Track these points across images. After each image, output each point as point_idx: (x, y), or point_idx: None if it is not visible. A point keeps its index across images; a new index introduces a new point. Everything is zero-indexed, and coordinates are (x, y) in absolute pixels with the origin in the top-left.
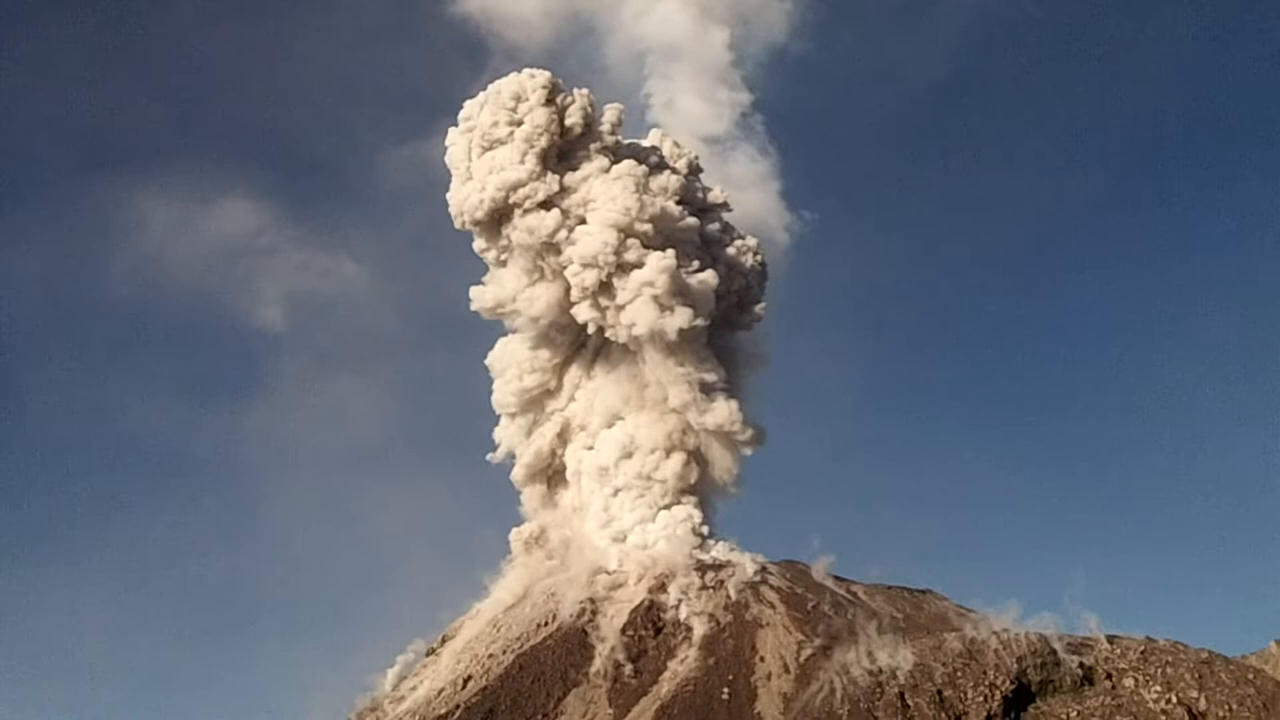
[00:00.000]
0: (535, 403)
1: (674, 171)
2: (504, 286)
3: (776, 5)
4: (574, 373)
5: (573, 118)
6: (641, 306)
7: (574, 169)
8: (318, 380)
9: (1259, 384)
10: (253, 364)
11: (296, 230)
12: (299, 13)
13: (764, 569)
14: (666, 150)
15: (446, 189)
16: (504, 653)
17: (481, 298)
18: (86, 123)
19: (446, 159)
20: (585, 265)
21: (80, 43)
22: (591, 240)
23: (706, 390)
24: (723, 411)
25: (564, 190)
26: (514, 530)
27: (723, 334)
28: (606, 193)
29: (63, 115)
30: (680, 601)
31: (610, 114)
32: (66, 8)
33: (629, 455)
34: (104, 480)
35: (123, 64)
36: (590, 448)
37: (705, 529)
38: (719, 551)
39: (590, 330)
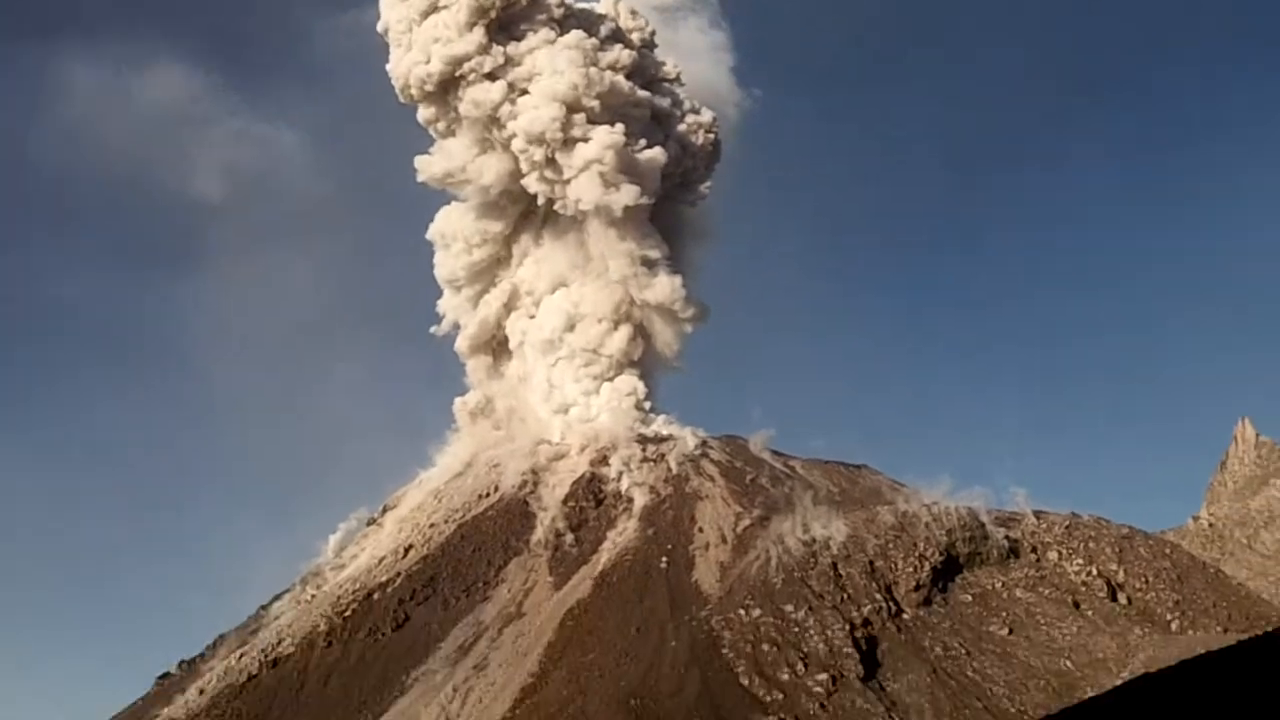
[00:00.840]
0: (482, 274)
1: (627, 45)
2: (452, 157)
3: None
4: (523, 242)
5: None
6: (587, 182)
7: (519, 39)
8: (257, 252)
9: (1189, 255)
10: (190, 235)
11: (232, 99)
12: None
13: (704, 443)
14: (622, 19)
15: (386, 58)
16: (445, 522)
17: (429, 168)
18: None
19: (381, 26)
20: (530, 141)
21: None
22: (538, 115)
23: (650, 265)
24: (665, 287)
25: (510, 62)
26: (458, 400)
27: (670, 209)
28: (552, 65)
29: None
30: (621, 474)
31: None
32: None
33: (573, 327)
34: (37, 351)
35: None
36: (535, 318)
37: (648, 403)
38: (660, 425)
39: (540, 201)
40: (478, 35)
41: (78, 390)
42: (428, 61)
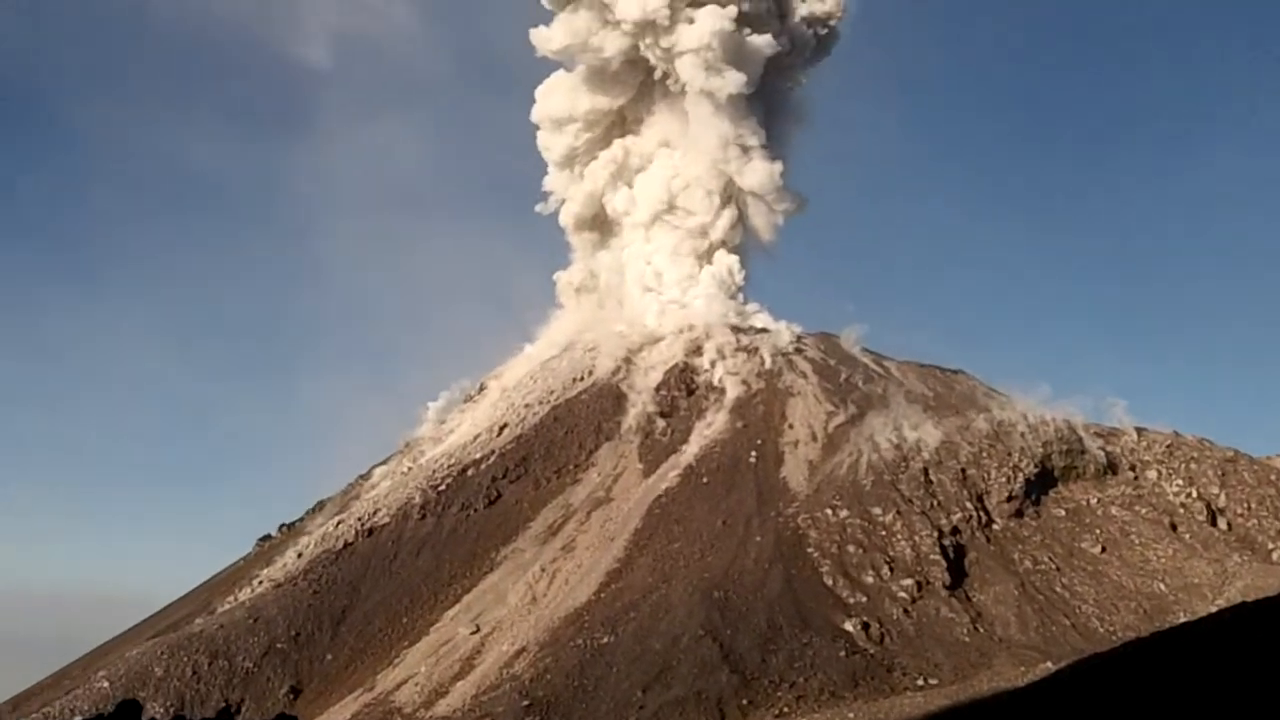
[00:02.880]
0: (591, 147)
1: None
2: (575, 30)
3: None
4: (634, 114)
5: None
6: (691, 66)
7: None
8: (364, 120)
9: None
10: (299, 100)
11: None
12: None
13: (799, 338)
14: None
15: None
16: (540, 403)
17: (548, 41)
18: None
19: None
20: (637, 25)
21: None
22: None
23: (748, 150)
24: (761, 174)
25: None
26: (560, 274)
27: (775, 88)
28: None
29: None
30: (714, 364)
31: None
32: None
33: (673, 204)
34: (149, 208)
35: None
36: (638, 193)
37: (743, 290)
38: (755, 316)
39: (657, 75)
40: None
41: (188, 250)
42: None
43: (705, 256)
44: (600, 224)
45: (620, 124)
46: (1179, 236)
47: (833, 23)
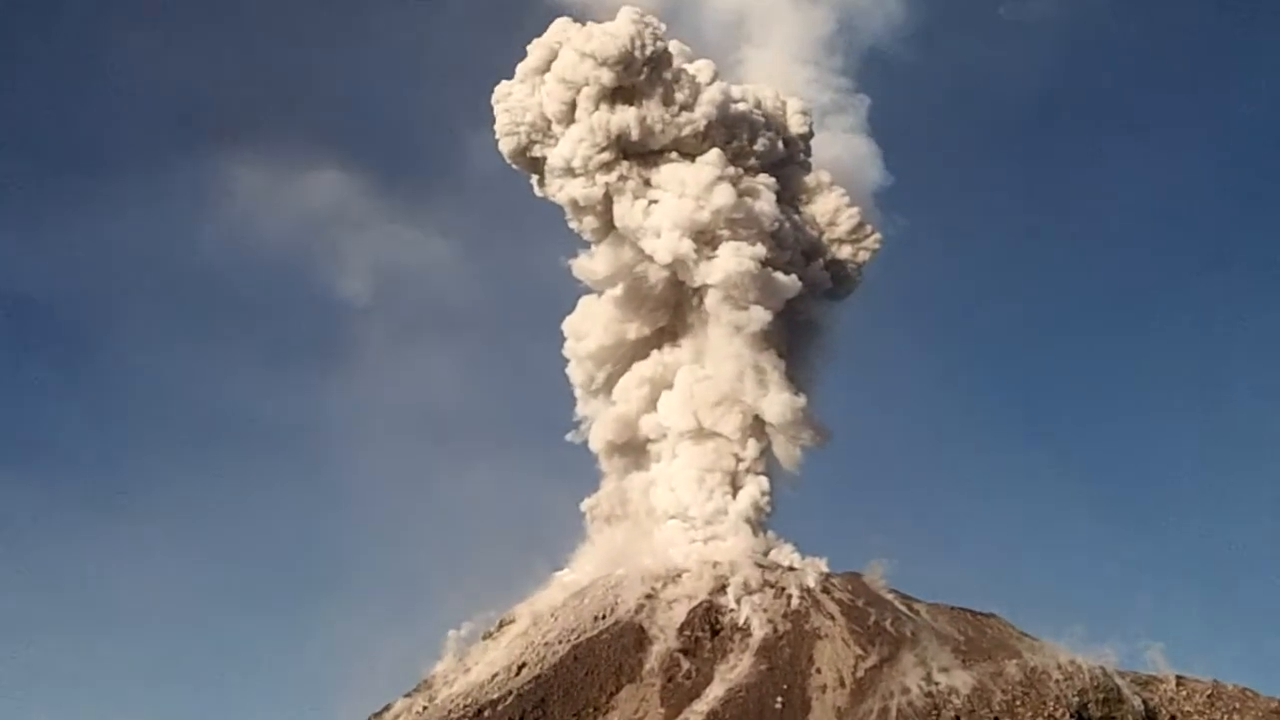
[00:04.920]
0: (624, 369)
1: (775, 158)
2: (619, 259)
3: (879, 5)
4: (671, 327)
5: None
6: (715, 299)
7: (659, 159)
8: (399, 351)
9: None
10: (338, 335)
11: (385, 203)
12: None
13: (827, 578)
14: (769, 103)
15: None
16: (560, 642)
17: (591, 271)
18: (181, 91)
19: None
20: (665, 265)
21: (177, 12)
22: (668, 243)
23: (768, 382)
24: (782, 405)
25: (648, 184)
26: (586, 501)
27: (802, 318)
28: (682, 190)
29: (158, 84)
30: (740, 604)
31: (705, 70)
32: None
33: (701, 429)
34: (187, 445)
35: (220, 34)
36: (666, 414)
37: (768, 525)
38: (782, 553)
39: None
40: (619, 166)
41: (217, 485)
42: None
43: (733, 484)
44: (632, 447)
45: (657, 338)
46: (1213, 475)
47: (862, 264)
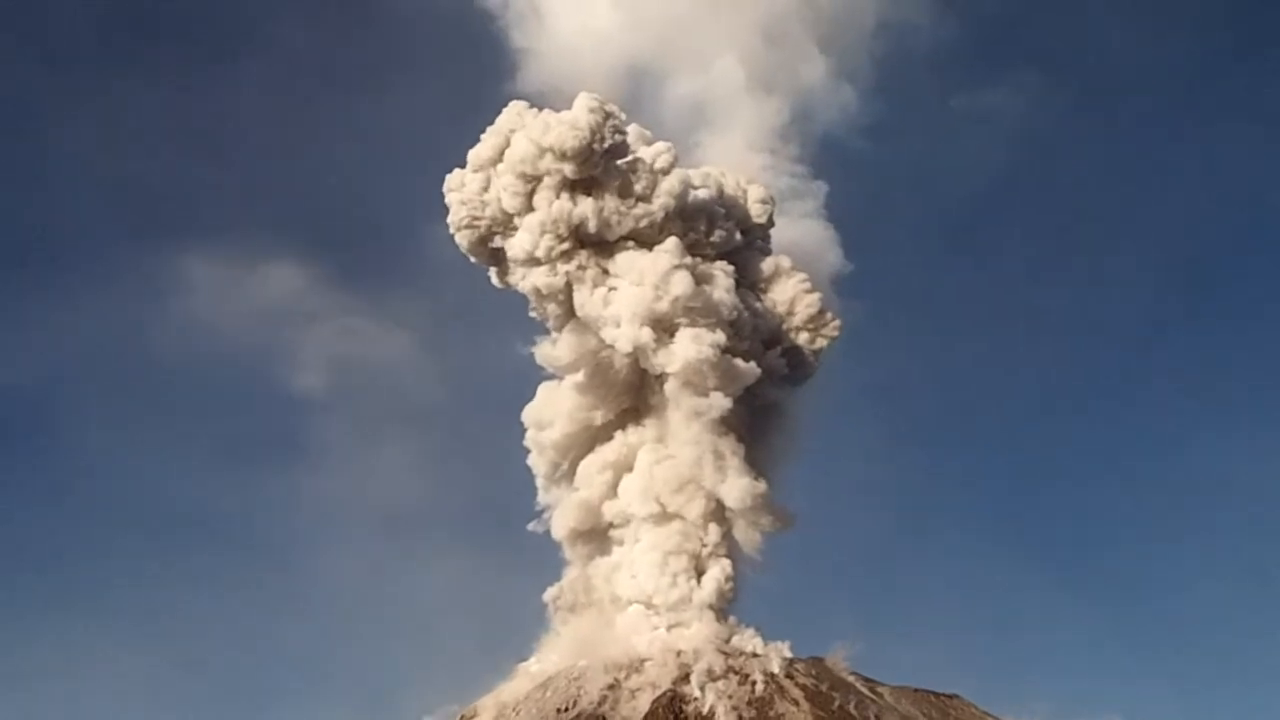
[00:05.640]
0: (585, 455)
1: (732, 248)
2: (583, 345)
3: (833, 95)
4: (630, 419)
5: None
6: (674, 386)
7: (616, 248)
8: (357, 447)
9: None
10: (295, 430)
11: (342, 296)
12: (355, 85)
13: (791, 663)
14: (730, 189)
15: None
16: None
17: (555, 358)
18: (134, 182)
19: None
20: (626, 354)
21: (131, 103)
22: (627, 334)
23: (729, 465)
24: (740, 490)
25: (608, 274)
26: (549, 591)
27: (761, 403)
28: (641, 279)
29: (111, 174)
30: (704, 691)
31: (663, 157)
32: (117, 73)
33: (664, 517)
34: (141, 543)
35: (173, 125)
36: (626, 497)
37: (731, 610)
38: (745, 640)
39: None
40: (578, 256)
41: (167, 583)
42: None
43: (696, 569)
44: (596, 533)
45: (621, 421)
46: (1175, 549)
47: (820, 351)
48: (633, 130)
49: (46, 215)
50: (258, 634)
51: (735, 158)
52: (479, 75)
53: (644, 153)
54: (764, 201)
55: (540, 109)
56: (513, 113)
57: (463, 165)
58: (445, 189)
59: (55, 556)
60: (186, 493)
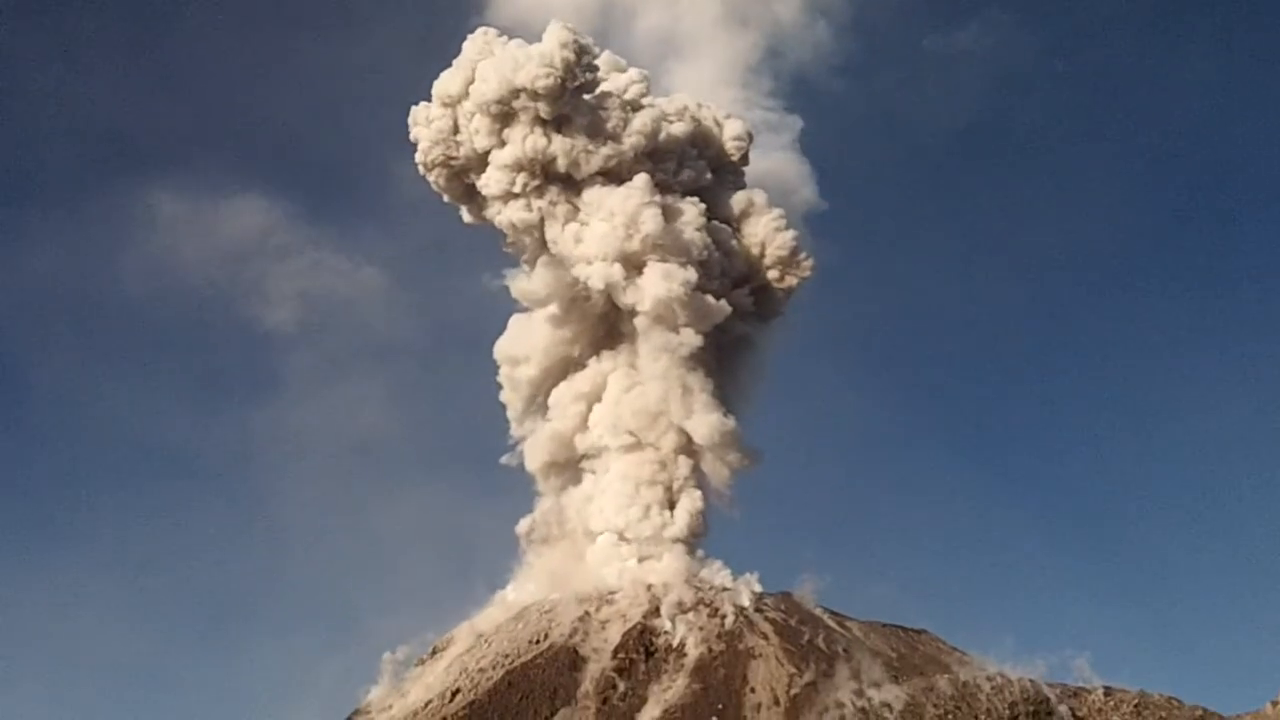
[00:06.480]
0: (559, 387)
1: (704, 186)
2: (557, 276)
3: (808, 31)
4: (602, 353)
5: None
6: (645, 322)
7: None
8: (329, 382)
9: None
10: (263, 364)
11: (311, 231)
12: (321, 18)
13: (760, 597)
14: (706, 121)
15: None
16: (494, 667)
17: (530, 291)
18: (101, 120)
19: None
20: (598, 291)
21: (96, 40)
22: (598, 271)
23: (697, 401)
24: (709, 426)
25: (579, 210)
26: (521, 523)
27: (732, 339)
28: (612, 217)
29: (77, 112)
30: (674, 624)
31: (635, 87)
32: (80, 7)
33: (634, 446)
34: (109, 478)
35: (139, 62)
36: (599, 428)
37: (701, 545)
38: (715, 573)
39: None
40: (550, 190)
41: (140, 518)
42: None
43: (668, 500)
44: (569, 465)
45: (594, 350)
46: (1138, 488)
47: (791, 289)
48: (604, 57)
49: (13, 154)
50: (231, 565)
51: (706, 91)
52: (450, 5)
53: (616, 81)
54: (739, 139)
55: (509, 38)
56: (479, 41)
57: (429, 99)
58: (410, 122)
59: (27, 489)
60: (157, 426)
